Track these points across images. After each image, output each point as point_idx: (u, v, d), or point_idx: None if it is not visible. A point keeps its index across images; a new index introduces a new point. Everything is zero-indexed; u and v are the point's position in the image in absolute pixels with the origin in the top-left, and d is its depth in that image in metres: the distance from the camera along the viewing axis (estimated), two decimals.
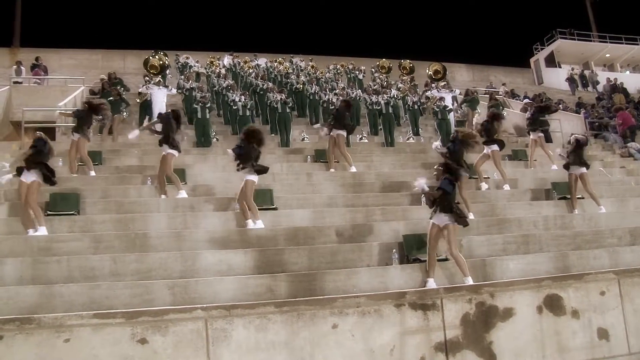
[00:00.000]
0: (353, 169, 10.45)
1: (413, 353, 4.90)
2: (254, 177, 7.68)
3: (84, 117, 9.41)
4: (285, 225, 7.78)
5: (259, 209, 7.78)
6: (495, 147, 9.80)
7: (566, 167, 9.33)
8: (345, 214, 8.30)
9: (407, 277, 6.44)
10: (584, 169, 9.16)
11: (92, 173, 9.32)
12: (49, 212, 7.56)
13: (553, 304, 5.45)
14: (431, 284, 6.23)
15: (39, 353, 4.04)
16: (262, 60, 18.54)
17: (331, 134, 10.44)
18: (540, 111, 11.86)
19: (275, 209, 8.30)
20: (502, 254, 7.30)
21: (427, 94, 15.44)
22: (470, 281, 6.14)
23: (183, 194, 8.43)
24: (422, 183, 6.47)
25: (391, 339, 4.87)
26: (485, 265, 6.76)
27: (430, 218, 6.47)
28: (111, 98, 12.53)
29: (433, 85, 15.45)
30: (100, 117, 10.23)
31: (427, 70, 16.01)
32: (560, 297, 5.50)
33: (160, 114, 9.49)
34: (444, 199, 6.35)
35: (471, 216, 8.10)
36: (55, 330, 4.10)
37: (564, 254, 7.17)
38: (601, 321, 5.56)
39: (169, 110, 9.36)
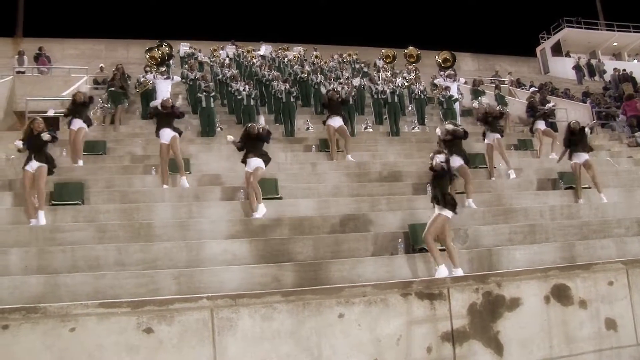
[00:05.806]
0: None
1: (420, 343, 4.87)
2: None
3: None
4: (290, 214, 7.75)
5: (264, 198, 7.77)
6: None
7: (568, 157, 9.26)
8: (350, 204, 8.26)
9: (413, 266, 6.41)
10: (586, 156, 9.07)
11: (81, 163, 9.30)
12: (53, 202, 7.55)
13: (560, 294, 5.40)
14: (442, 270, 6.09)
15: (45, 342, 4.03)
16: (266, 49, 18.40)
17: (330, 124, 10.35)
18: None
19: (280, 198, 8.27)
20: (509, 243, 7.26)
21: (435, 81, 15.30)
22: (460, 272, 6.07)
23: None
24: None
25: (398, 329, 4.84)
26: (492, 255, 6.72)
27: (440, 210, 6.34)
28: (112, 89, 12.51)
29: (442, 73, 15.30)
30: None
31: (436, 58, 15.79)
32: (567, 287, 5.45)
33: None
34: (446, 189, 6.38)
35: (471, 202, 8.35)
36: (60, 320, 4.09)
37: (570, 244, 7.13)
38: (609, 311, 5.51)
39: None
